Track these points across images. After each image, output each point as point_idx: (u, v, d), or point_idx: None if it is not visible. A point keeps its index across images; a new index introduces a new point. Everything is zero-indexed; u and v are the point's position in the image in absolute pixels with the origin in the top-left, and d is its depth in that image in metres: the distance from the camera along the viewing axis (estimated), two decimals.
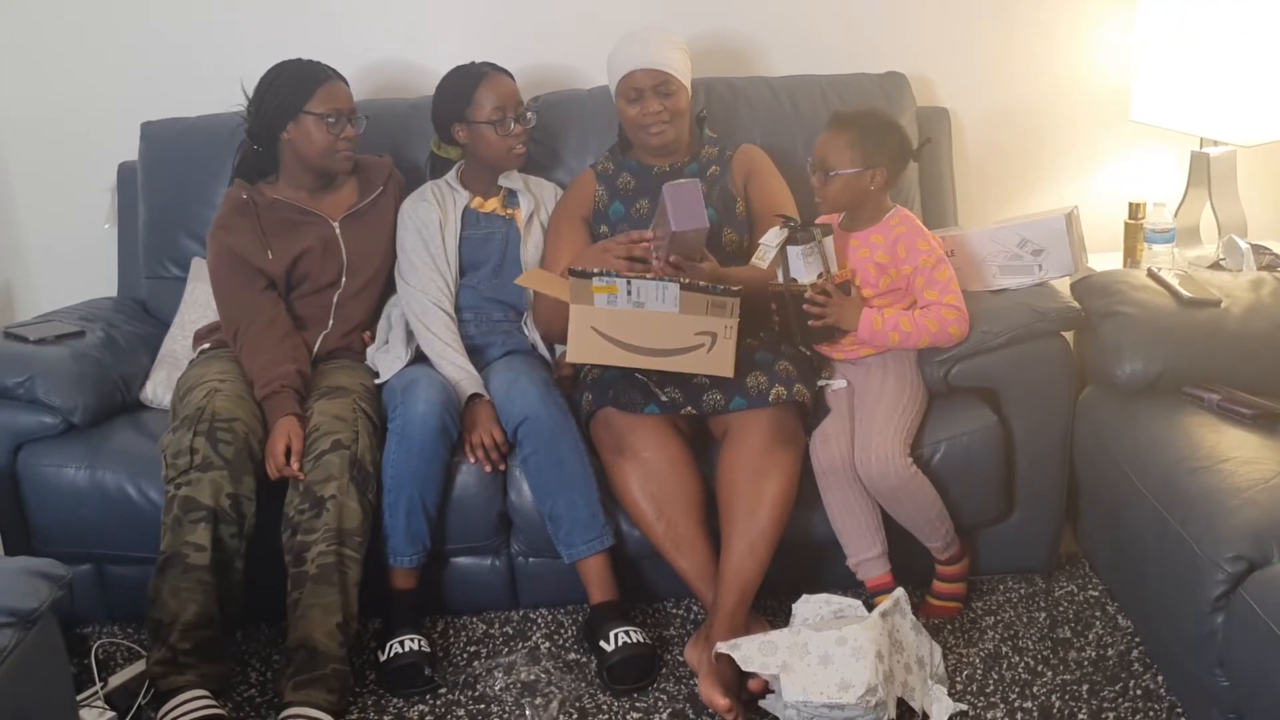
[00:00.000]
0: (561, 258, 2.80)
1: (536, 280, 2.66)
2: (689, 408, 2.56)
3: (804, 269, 2.53)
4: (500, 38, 3.23)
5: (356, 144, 2.82)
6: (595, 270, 2.46)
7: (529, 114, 2.86)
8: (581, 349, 2.52)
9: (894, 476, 2.49)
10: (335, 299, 2.85)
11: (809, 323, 2.55)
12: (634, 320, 2.47)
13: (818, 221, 2.59)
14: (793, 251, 2.52)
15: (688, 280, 2.43)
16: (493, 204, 2.91)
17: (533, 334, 2.85)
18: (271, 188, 2.86)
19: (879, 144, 2.57)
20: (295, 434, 2.54)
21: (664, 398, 2.56)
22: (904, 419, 2.55)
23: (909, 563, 2.61)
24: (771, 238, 2.54)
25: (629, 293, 2.45)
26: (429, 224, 2.84)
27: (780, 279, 2.55)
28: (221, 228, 2.81)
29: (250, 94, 2.82)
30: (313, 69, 2.78)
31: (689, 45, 2.85)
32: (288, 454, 2.52)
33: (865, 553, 2.56)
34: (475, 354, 2.80)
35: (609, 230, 2.83)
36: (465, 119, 2.82)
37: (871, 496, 2.54)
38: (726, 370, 2.49)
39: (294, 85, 2.75)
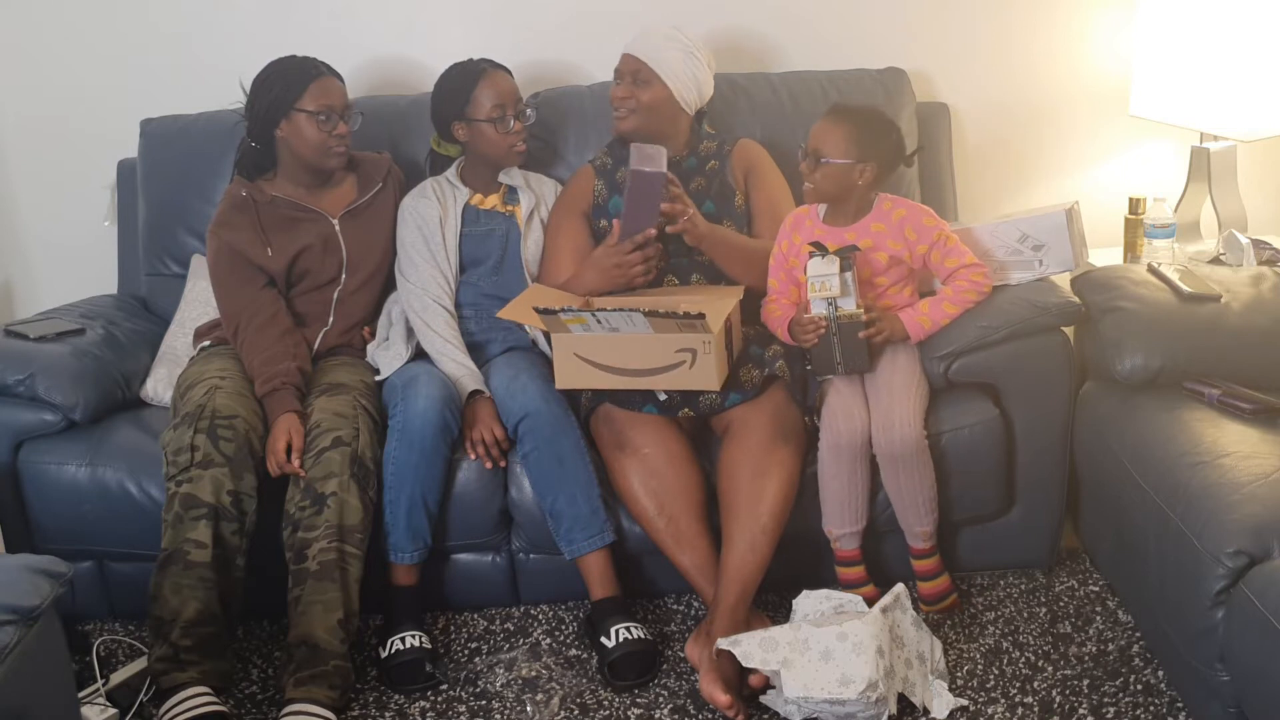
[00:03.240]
0: (562, 254, 2.82)
1: (518, 313, 2.65)
2: (686, 409, 2.57)
3: (850, 293, 2.53)
4: (499, 34, 3.23)
5: (350, 141, 2.81)
6: (559, 308, 2.49)
7: (528, 111, 2.86)
8: (567, 376, 2.57)
9: (913, 442, 2.50)
10: (335, 295, 2.85)
11: (873, 342, 2.55)
12: (613, 344, 2.51)
13: (830, 242, 2.58)
14: (844, 278, 2.52)
15: (649, 309, 2.45)
16: (493, 201, 2.91)
17: (533, 330, 2.85)
18: (271, 184, 2.86)
19: (874, 140, 2.58)
20: (296, 431, 2.54)
21: (662, 397, 2.57)
22: (919, 391, 2.57)
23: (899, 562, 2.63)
24: (823, 267, 2.52)
25: (598, 321, 2.48)
26: (429, 220, 2.84)
27: (812, 310, 2.54)
28: (221, 225, 2.81)
29: (247, 91, 2.81)
30: (305, 65, 2.77)
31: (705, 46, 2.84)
32: (289, 451, 2.52)
33: (850, 526, 2.58)
34: (476, 350, 2.80)
35: (608, 224, 2.83)
36: (465, 117, 2.82)
37: (869, 478, 2.56)
38: (712, 384, 2.51)
39: (286, 82, 2.74)
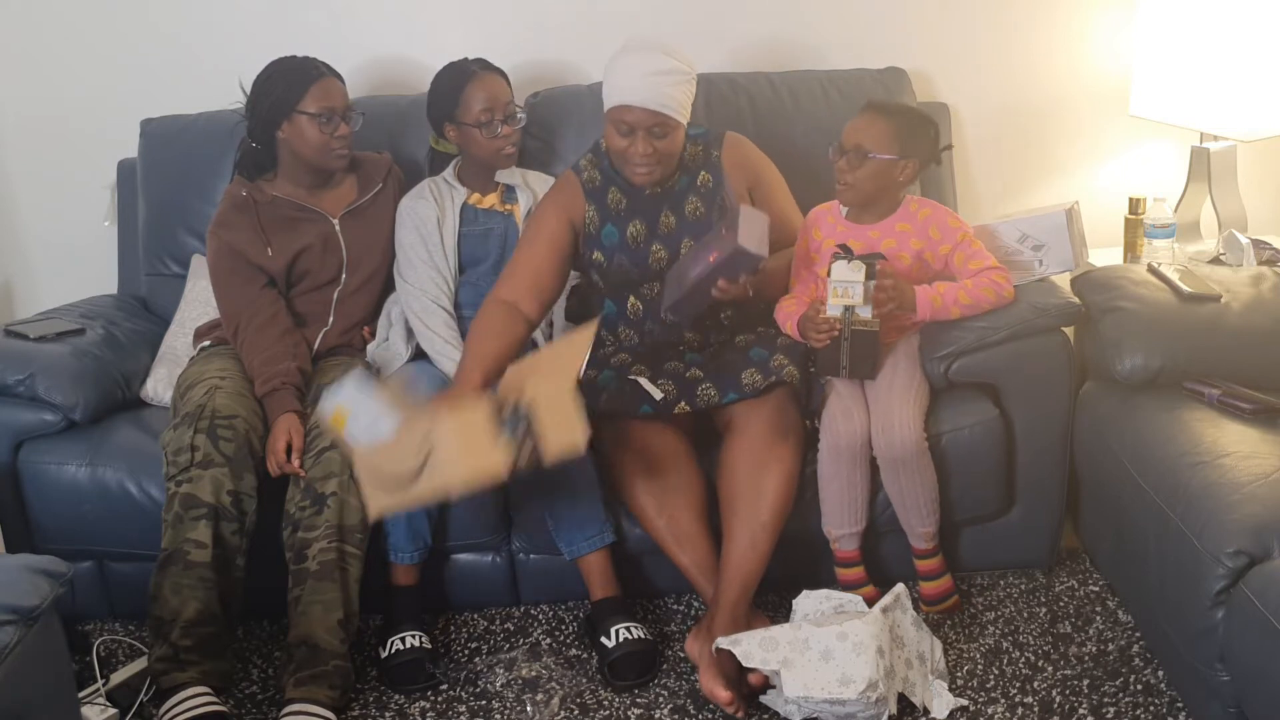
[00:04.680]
0: (539, 249, 2.65)
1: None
2: (683, 403, 2.57)
3: (870, 301, 2.49)
4: (499, 33, 3.23)
5: (351, 141, 2.81)
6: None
7: (519, 114, 2.84)
8: (378, 503, 2.33)
9: (913, 445, 2.50)
10: (335, 295, 2.84)
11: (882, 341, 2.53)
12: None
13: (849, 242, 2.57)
14: (867, 285, 2.48)
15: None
16: (491, 200, 2.90)
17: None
18: (271, 184, 2.86)
19: (916, 137, 2.58)
20: (296, 431, 2.54)
21: (658, 396, 2.56)
22: (919, 394, 2.57)
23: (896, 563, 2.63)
24: (848, 273, 2.47)
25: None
26: (426, 221, 2.84)
27: (828, 312, 2.50)
28: (221, 225, 2.81)
29: (248, 91, 2.81)
30: (305, 67, 2.77)
31: (688, 42, 2.80)
32: (289, 451, 2.52)
33: (851, 527, 2.58)
34: None
35: (604, 257, 2.66)
36: (455, 119, 2.81)
37: (869, 479, 2.56)
38: (574, 443, 2.26)
39: (287, 84, 2.74)
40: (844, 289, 2.48)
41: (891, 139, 2.54)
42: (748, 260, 2.40)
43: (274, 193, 2.84)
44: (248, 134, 2.84)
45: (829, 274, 2.51)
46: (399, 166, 3.00)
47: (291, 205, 2.83)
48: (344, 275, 2.85)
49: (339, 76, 2.81)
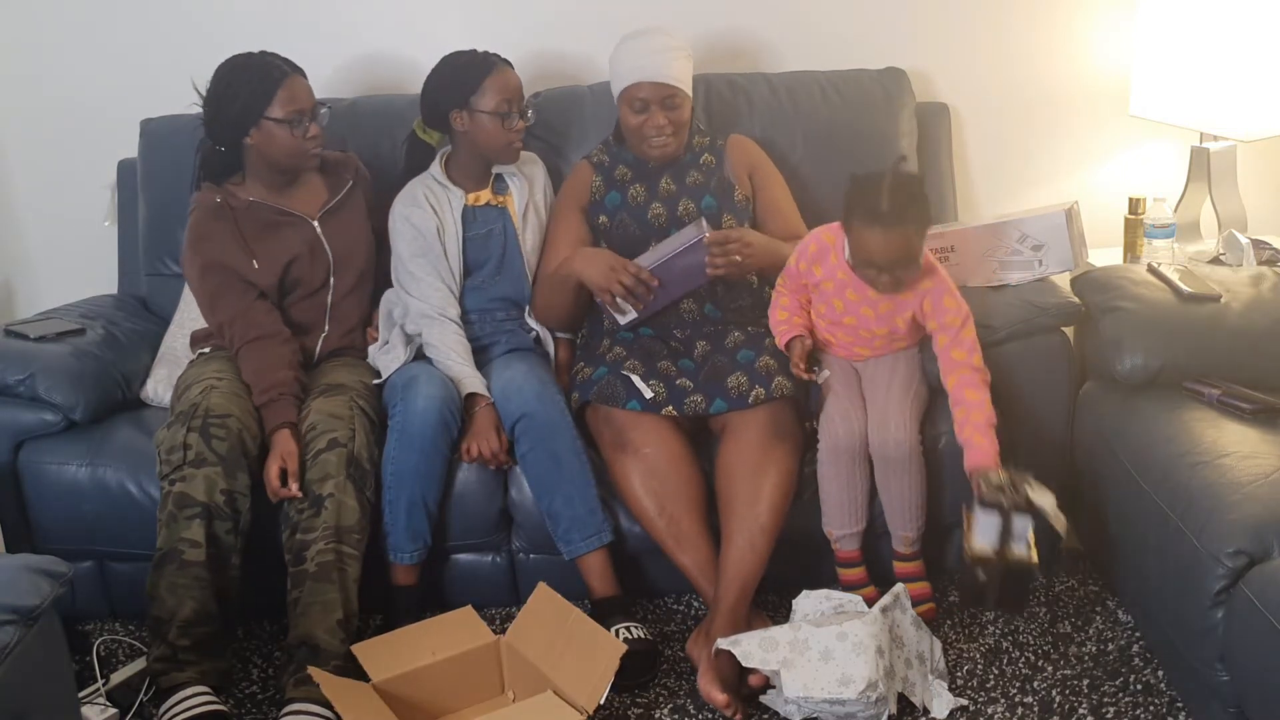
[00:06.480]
0: (560, 246, 2.81)
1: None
2: (670, 407, 2.57)
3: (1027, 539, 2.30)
4: (500, 33, 3.22)
5: (323, 140, 2.74)
6: None
7: (529, 111, 2.83)
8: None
9: (907, 445, 2.50)
10: (329, 300, 2.81)
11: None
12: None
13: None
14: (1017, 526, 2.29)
15: None
16: (485, 196, 2.88)
17: (535, 325, 2.85)
18: (241, 188, 2.78)
19: (924, 210, 2.46)
20: (289, 455, 2.50)
21: (648, 394, 2.57)
22: (917, 398, 2.57)
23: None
24: (1023, 523, 2.28)
25: None
26: (426, 232, 2.79)
27: (984, 546, 2.29)
28: (201, 239, 2.71)
29: (203, 92, 2.71)
30: (267, 69, 2.67)
31: (688, 42, 2.84)
32: (284, 476, 2.49)
33: (851, 527, 2.58)
34: (480, 353, 2.80)
35: (607, 219, 2.83)
36: (469, 106, 2.75)
37: (868, 479, 2.56)
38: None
39: (251, 90, 2.64)
40: (1021, 537, 2.28)
41: (919, 235, 2.42)
42: (696, 248, 2.60)
43: (248, 197, 2.75)
44: (209, 137, 2.74)
45: (976, 528, 2.29)
46: (385, 166, 2.95)
47: (270, 210, 2.76)
48: (332, 279, 2.80)
49: (301, 72, 2.72)
